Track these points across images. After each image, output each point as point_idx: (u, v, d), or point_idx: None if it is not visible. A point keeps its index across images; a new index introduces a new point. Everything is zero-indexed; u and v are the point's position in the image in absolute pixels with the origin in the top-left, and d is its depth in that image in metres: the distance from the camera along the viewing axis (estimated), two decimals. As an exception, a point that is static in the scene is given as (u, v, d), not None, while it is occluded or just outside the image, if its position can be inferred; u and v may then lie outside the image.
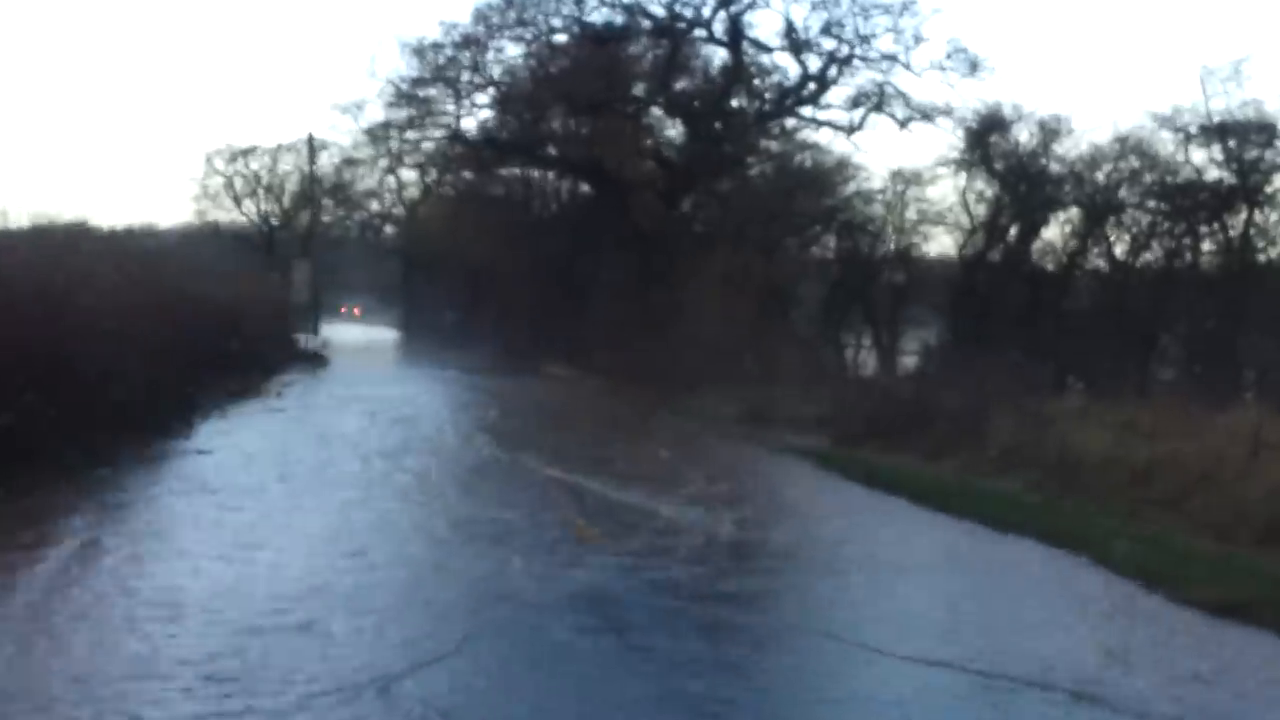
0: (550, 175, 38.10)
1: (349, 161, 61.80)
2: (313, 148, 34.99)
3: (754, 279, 29.75)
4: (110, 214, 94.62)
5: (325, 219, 62.61)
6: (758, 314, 28.94)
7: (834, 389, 20.17)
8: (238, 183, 57.60)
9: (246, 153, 57.06)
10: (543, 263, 38.66)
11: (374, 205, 63.50)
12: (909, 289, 31.51)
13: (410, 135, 28.40)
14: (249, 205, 58.57)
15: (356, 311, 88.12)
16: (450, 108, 28.21)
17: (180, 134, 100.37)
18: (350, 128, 28.96)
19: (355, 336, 56.40)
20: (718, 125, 28.66)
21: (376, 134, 63.18)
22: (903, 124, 29.40)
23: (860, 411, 18.24)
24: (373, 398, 22.36)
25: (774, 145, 29.92)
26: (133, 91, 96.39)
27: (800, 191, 31.65)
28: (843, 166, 31.55)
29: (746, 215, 29.92)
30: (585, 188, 37.11)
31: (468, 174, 40.81)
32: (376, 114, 28.91)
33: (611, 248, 30.93)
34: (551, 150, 28.89)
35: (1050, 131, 27.53)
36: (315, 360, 34.02)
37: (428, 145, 30.98)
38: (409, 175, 61.08)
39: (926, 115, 29.41)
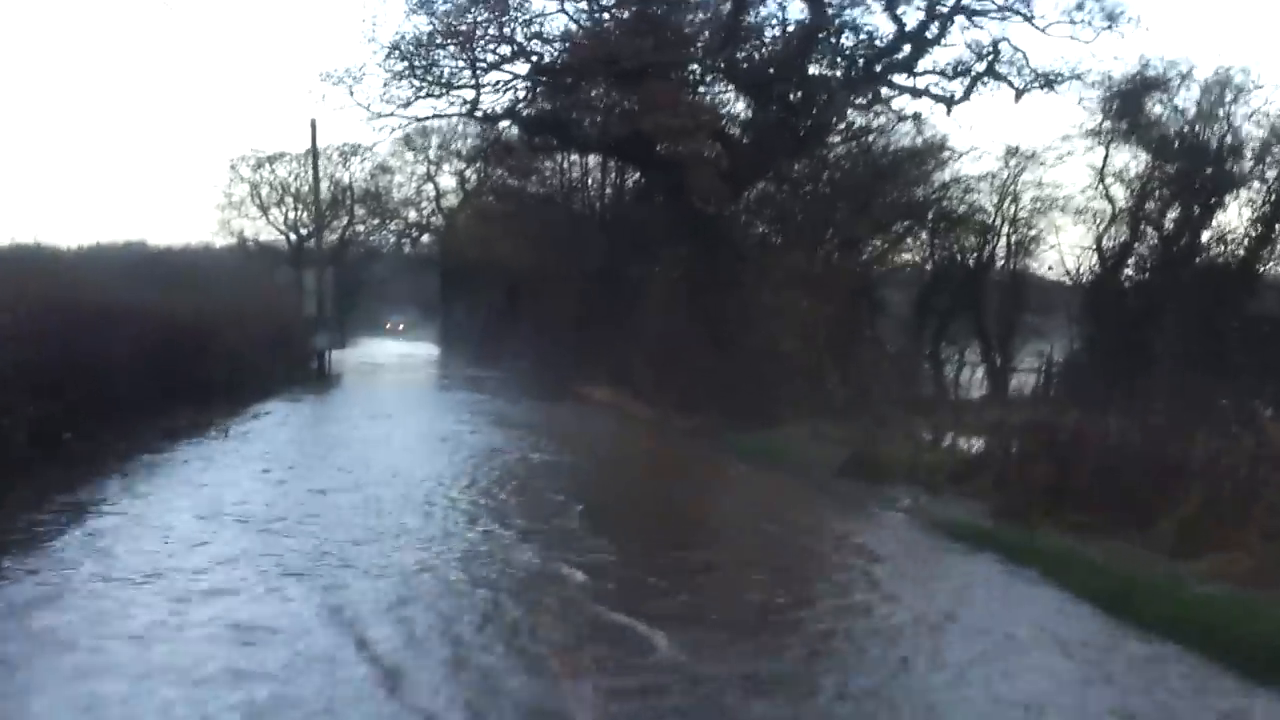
0: (591, 163, 32.32)
1: (383, 169, 57.03)
2: (315, 134, 29.39)
3: (837, 282, 23.83)
4: (132, 233, 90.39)
5: (359, 228, 57.49)
6: (842, 325, 23.01)
7: (991, 431, 14.12)
8: (264, 191, 52.55)
9: (273, 159, 52.07)
10: (584, 267, 32.98)
11: (411, 215, 58.36)
12: (1025, 292, 25.41)
13: (418, 111, 22.51)
14: (276, 214, 53.42)
15: (399, 326, 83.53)
16: (466, 75, 22.46)
17: (206, 148, 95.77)
18: (343, 101, 23.09)
19: (388, 353, 51.09)
20: (792, 96, 22.71)
21: (412, 139, 58.78)
22: (1020, 92, 23.26)
23: (1031, 464, 12.18)
24: (354, 442, 16.69)
25: (860, 120, 23.90)
26: (156, 107, 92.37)
27: (891, 176, 25.65)
28: (939, 147, 25.53)
29: (828, 205, 24.02)
30: (631, 180, 31.32)
31: (502, 171, 35.25)
32: (376, 86, 23.02)
33: (662, 246, 25.09)
34: (591, 127, 22.87)
35: (1226, 90, 21.26)
36: (321, 383, 28.51)
37: (441, 123, 24.94)
38: (447, 183, 56.19)
39: (1049, 82, 23.25)
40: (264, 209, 52.63)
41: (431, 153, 55.09)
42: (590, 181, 33.84)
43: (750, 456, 16.19)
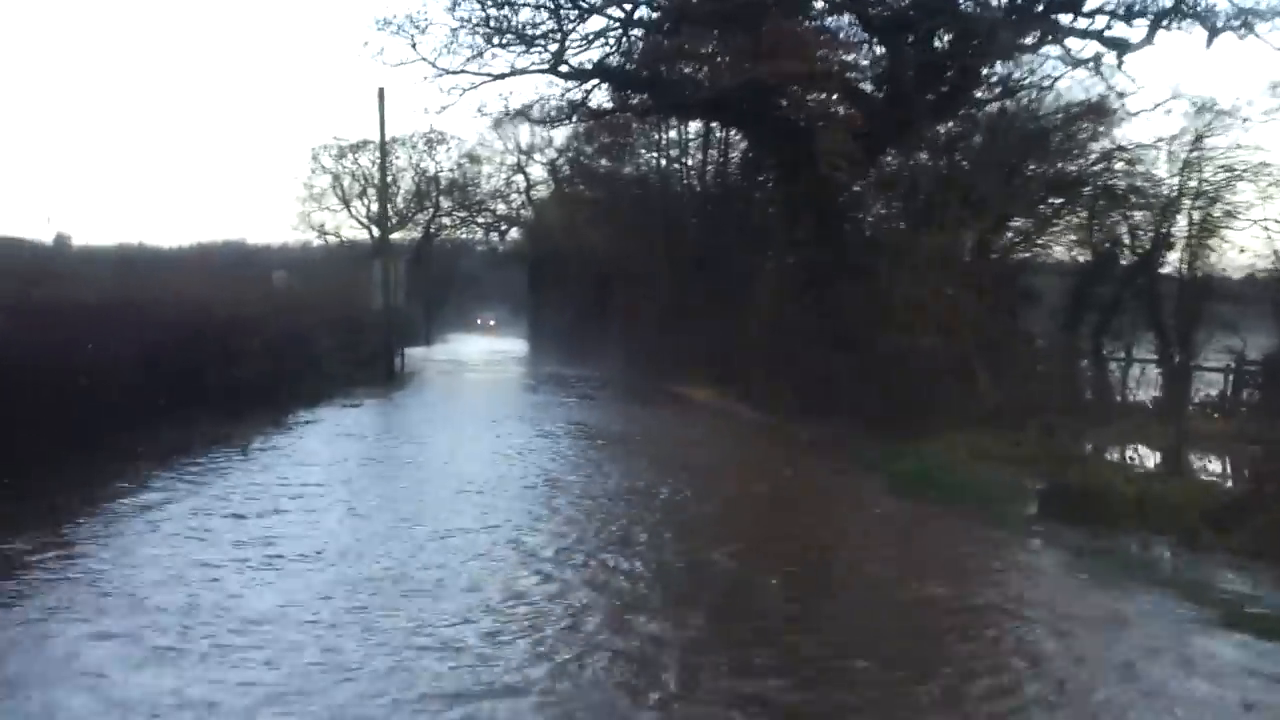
0: (691, 132, 28.50)
1: (471, 158, 53.91)
2: (382, 104, 26.09)
3: (986, 269, 19.77)
4: (232, 233, 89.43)
5: (445, 221, 54.53)
6: (994, 319, 18.94)
7: (1256, 453, 10.11)
8: (345, 181, 49.76)
9: (356, 148, 49.20)
10: (682, 255, 29.26)
11: (500, 208, 55.22)
12: (1211, 278, 20.93)
13: (491, 67, 18.91)
14: (358, 206, 50.66)
15: (491, 323, 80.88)
16: (548, 23, 18.77)
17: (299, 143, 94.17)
18: (404, 55, 19.68)
19: (474, 350, 47.99)
20: (937, 40, 18.64)
21: (501, 124, 55.60)
22: (1214, 33, 18.84)
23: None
24: (403, 468, 13.20)
25: (1017, 72, 19.64)
26: (254, 105, 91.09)
27: (1045, 142, 21.39)
28: (1104, 108, 21.14)
29: (974, 177, 19.90)
30: (736, 155, 27.46)
31: (591, 150, 31.76)
32: (441, 37, 19.39)
33: (775, 228, 21.22)
34: (694, 82, 18.91)
35: None
36: (389, 384, 25.25)
37: (532, 105, 21.18)
38: (538, 174, 52.89)
39: (1247, 23, 18.79)
40: (345, 201, 49.95)
41: (522, 141, 52.00)
42: (689, 163, 29.99)
43: (904, 484, 12.27)
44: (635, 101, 21.30)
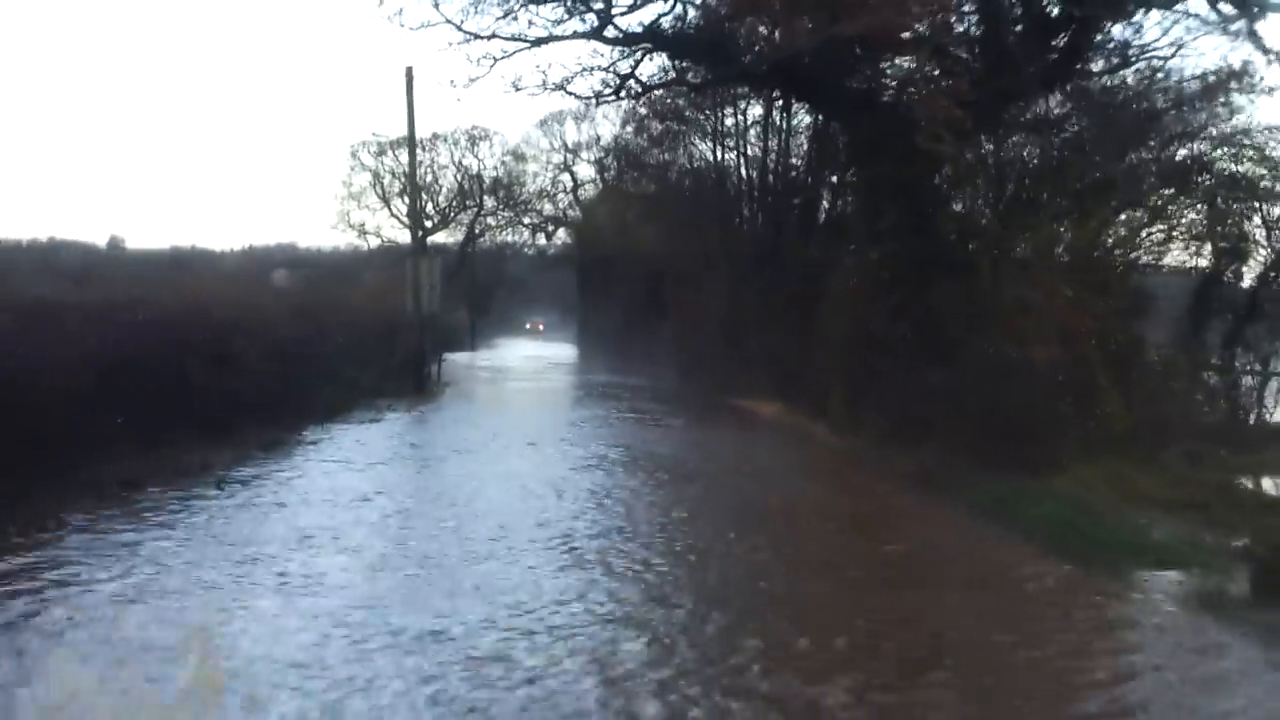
0: (752, 116, 25.64)
1: (516, 155, 51.40)
2: (410, 86, 23.59)
3: (1110, 269, 16.85)
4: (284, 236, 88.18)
5: (490, 221, 52.12)
6: (1120, 328, 15.98)
7: None
8: (385, 179, 47.45)
9: (396, 145, 46.82)
10: (740, 250, 26.49)
11: (546, 208, 52.70)
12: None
13: (526, 32, 16.19)
14: (399, 205, 48.33)
15: (540, 327, 78.61)
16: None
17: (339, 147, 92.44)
18: (425, 15, 17.06)
19: (519, 356, 45.51)
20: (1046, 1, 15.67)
21: (547, 123, 53.10)
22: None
23: None
24: (414, 513, 10.56)
25: (1135, 37, 16.59)
26: (307, 108, 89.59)
27: (1159, 121, 18.40)
28: (1243, 78, 18.04)
29: (1093, 156, 16.93)
30: (801, 140, 24.59)
31: (642, 139, 29.06)
32: None
33: (852, 216, 18.35)
34: (761, 47, 15.99)
35: None
36: (419, 395, 22.70)
37: (575, 101, 18.39)
38: (585, 173, 50.32)
39: None
40: (385, 199, 47.65)
41: (568, 139, 49.49)
42: (747, 152, 27.14)
43: (1048, 537, 9.37)
44: (692, 74, 18.49)
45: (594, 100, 17.67)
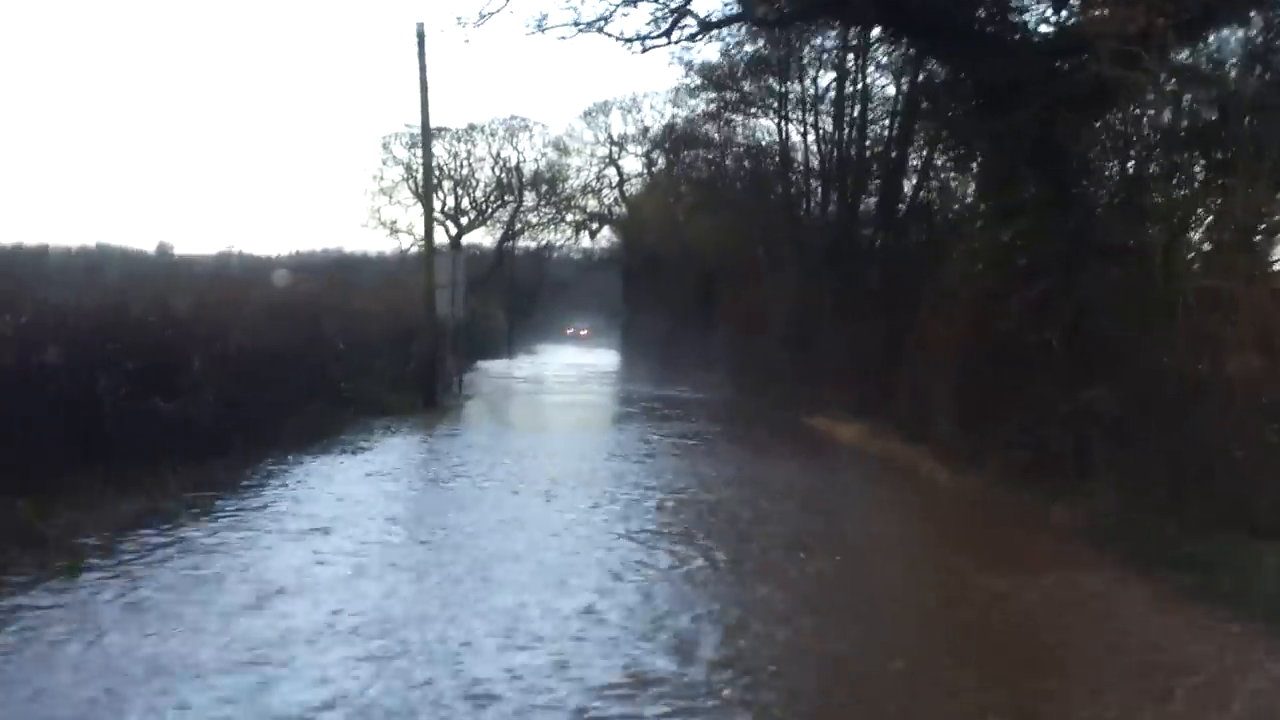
0: (821, 84, 21.63)
1: (558, 147, 47.72)
2: (422, 47, 20.04)
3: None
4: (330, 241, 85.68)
5: (530, 219, 48.49)
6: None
7: None
8: (419, 173, 43.81)
9: (432, 135, 43.31)
10: (809, 240, 22.66)
11: (590, 204, 48.94)
12: None
13: None
14: (433, 201, 44.79)
15: (583, 332, 75.12)
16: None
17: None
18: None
19: (559, 364, 41.86)
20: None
21: (592, 114, 49.44)
22: None
23: None
24: (340, 612, 6.83)
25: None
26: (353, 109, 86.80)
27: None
28: None
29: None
30: (882, 110, 20.64)
31: (695, 112, 25.22)
32: None
33: (980, 186, 14.39)
34: None
35: None
36: (429, 414, 19.04)
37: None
38: (631, 167, 46.65)
39: None
40: (419, 194, 43.96)
41: (614, 130, 45.84)
42: (818, 125, 23.19)
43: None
44: (762, 9, 14.46)
45: (639, 45, 13.82)
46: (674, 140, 29.82)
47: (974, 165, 14.61)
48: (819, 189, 22.85)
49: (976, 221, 14.17)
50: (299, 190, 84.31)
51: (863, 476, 12.93)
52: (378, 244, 55.03)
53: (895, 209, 20.03)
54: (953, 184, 17.29)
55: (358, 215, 78.50)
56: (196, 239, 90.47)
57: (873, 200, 21.13)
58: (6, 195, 57.35)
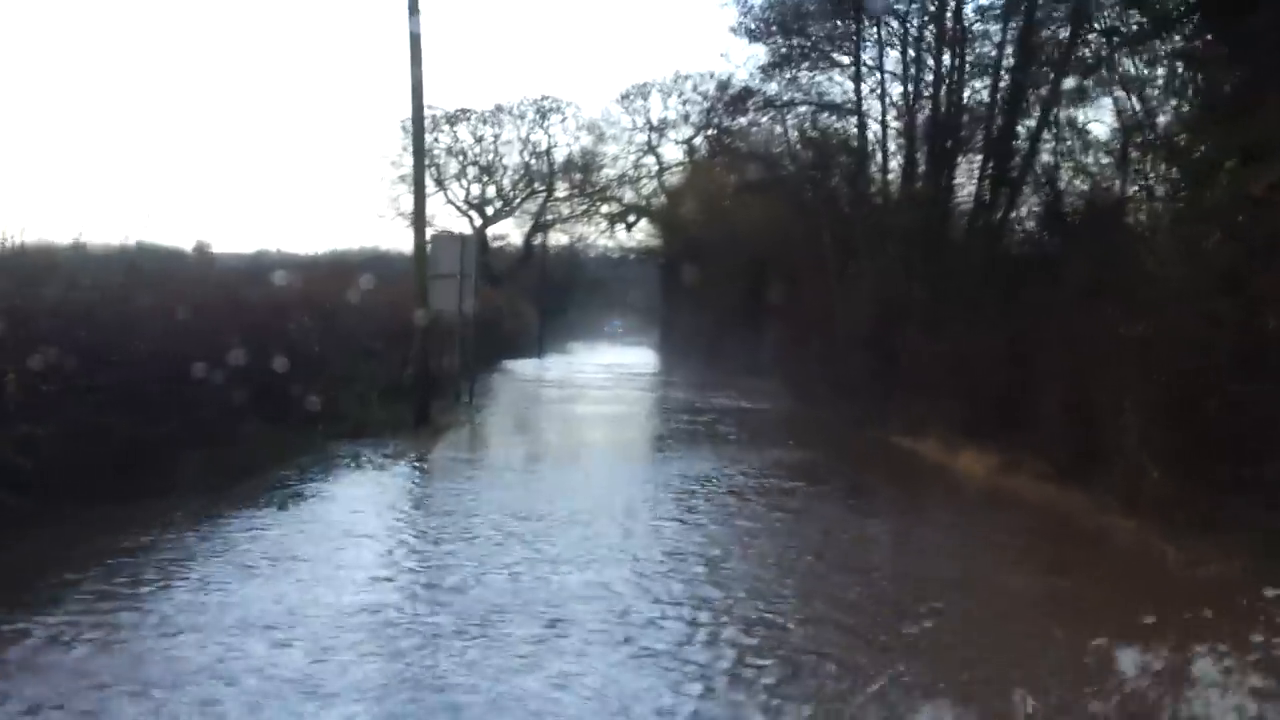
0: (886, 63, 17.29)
1: (593, 132, 43.61)
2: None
3: None
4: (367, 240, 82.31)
5: (562, 210, 44.41)
6: None
7: None
8: (441, 159, 39.93)
9: (453, 119, 39.43)
10: (891, 225, 18.37)
11: (628, 195, 44.70)
12: None
13: None
14: (456, 190, 40.91)
15: (619, 330, 71.39)
16: None
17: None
18: None
19: (592, 365, 37.71)
20: None
21: (629, 97, 45.33)
22: None
23: None
24: None
25: None
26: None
27: None
28: None
29: None
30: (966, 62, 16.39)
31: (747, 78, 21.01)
32: None
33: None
34: None
35: None
36: (420, 434, 14.94)
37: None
38: (671, 155, 42.46)
39: None
40: (440, 182, 39.98)
41: (653, 115, 41.61)
42: (891, 93, 18.87)
43: None
44: None
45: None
46: (727, 102, 25.46)
47: (1189, 86, 10.29)
48: (901, 158, 18.54)
49: (1194, 174, 9.74)
50: (340, 189, 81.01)
51: (1022, 549, 8.42)
52: (409, 241, 51.67)
53: (1006, 179, 15.75)
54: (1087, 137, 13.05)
55: (378, 207, 74.76)
56: (235, 238, 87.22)
57: (972, 170, 16.84)
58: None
